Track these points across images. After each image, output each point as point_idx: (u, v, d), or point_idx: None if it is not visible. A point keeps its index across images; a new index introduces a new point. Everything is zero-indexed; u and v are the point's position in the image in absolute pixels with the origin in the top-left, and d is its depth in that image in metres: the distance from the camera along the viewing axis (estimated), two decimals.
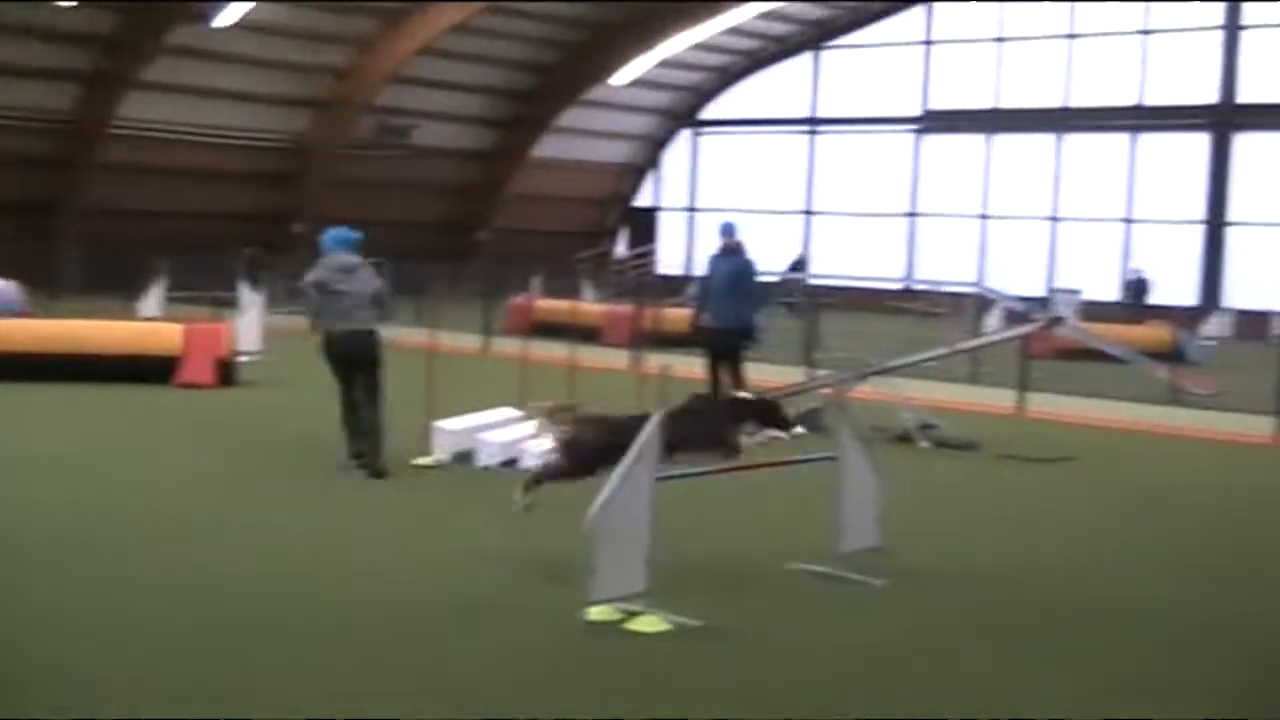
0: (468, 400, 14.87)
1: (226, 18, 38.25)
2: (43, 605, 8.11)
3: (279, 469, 13.04)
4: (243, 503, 11.43)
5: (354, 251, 13.23)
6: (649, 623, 7.96)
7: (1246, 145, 42.08)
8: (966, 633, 8.32)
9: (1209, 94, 42.46)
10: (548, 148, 48.75)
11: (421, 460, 13.26)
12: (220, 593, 8.51)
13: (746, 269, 17.31)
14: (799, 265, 41.98)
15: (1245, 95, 42.03)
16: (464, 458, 13.34)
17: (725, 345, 17.10)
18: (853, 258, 44.69)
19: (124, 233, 38.12)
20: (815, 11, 48.03)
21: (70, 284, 36.06)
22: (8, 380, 17.94)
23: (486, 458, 13.26)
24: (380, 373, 12.90)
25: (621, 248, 53.85)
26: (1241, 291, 40.85)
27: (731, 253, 17.37)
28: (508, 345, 23.88)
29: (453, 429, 13.56)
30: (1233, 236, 42.35)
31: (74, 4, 35.79)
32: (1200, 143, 42.66)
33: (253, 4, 38.05)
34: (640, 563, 8.04)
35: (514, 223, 48.65)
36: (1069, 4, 44.62)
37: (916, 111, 47.80)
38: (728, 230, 17.58)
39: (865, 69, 48.66)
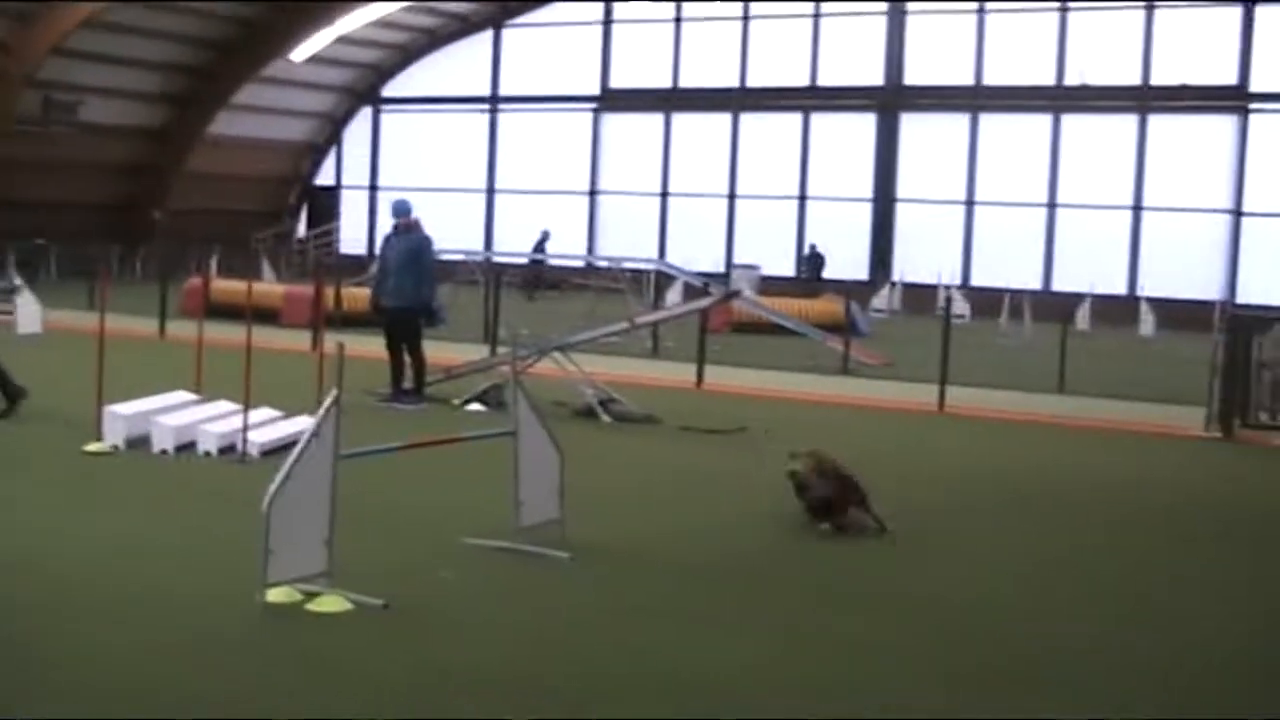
0: (143, 385, 14.48)
1: None
2: None
3: None
4: None
5: None
6: (330, 603, 7.92)
7: (911, 125, 43.88)
8: (655, 599, 8.52)
9: (877, 76, 44.10)
10: (225, 125, 47.55)
11: (93, 446, 12.86)
12: None
13: (422, 246, 17.26)
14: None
15: (911, 78, 43.83)
16: (138, 443, 12.99)
17: (403, 324, 17.05)
18: (534, 235, 44.96)
19: None
20: None
21: None
22: None
23: (161, 442, 12.93)
24: None
25: (302, 227, 53.02)
26: (910, 267, 42.58)
27: (407, 230, 17.32)
28: (185, 328, 23.30)
29: (125, 413, 13.18)
30: (901, 213, 44.09)
31: None
32: (868, 123, 44.27)
33: None
34: (320, 543, 7.99)
35: (191, 203, 47.33)
36: None
37: (596, 90, 48.30)
38: (401, 208, 17.50)
39: (546, 48, 48.93)
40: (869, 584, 9.21)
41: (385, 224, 17.76)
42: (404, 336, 17.01)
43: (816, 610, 8.44)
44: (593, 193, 48.57)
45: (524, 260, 40.93)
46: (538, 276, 40.73)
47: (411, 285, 17.04)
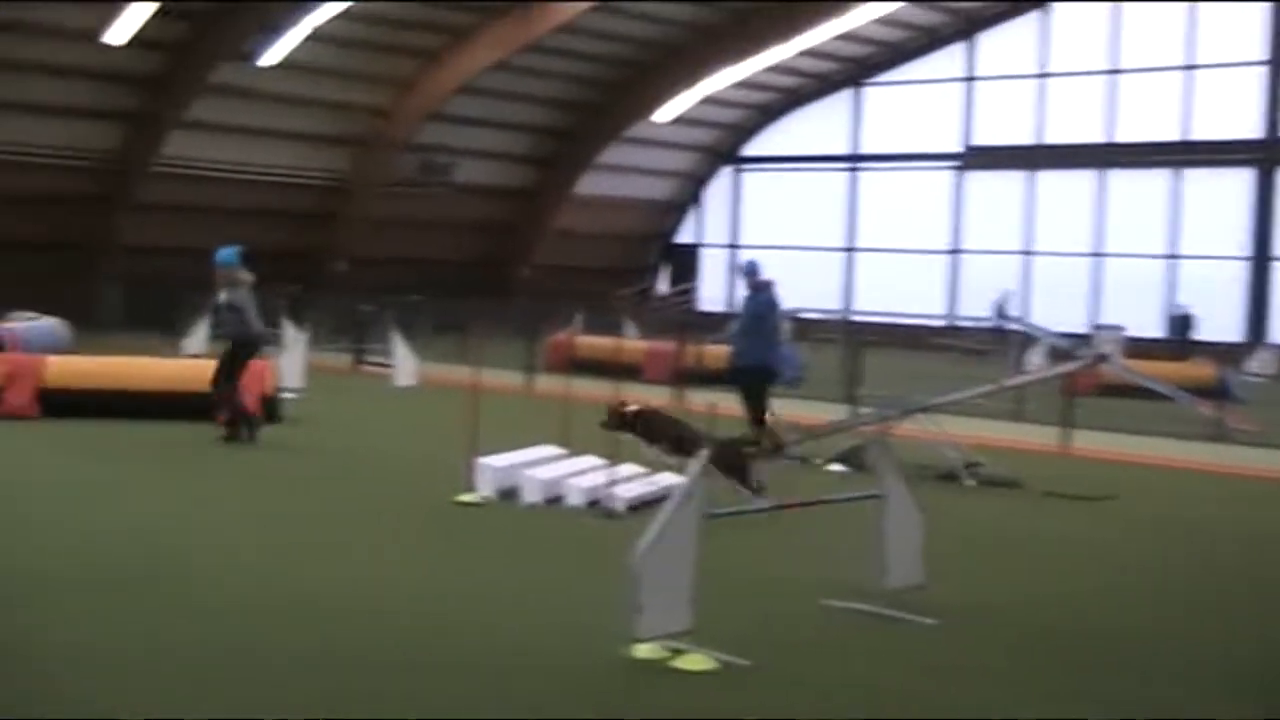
0: (511, 438, 14.96)
1: (270, 57, 38.64)
2: (120, 638, 8.21)
3: (333, 506, 13.14)
4: (302, 537, 11.54)
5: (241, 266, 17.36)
6: (696, 661, 7.99)
7: None
8: (1020, 665, 8.33)
9: (1254, 129, 42.35)
10: (589, 184, 49.00)
11: (465, 497, 13.34)
12: (305, 630, 8.56)
13: (766, 307, 17.39)
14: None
15: None
16: (508, 495, 13.42)
17: (747, 382, 17.17)
18: (895, 294, 44.65)
19: (165, 270, 38.45)
20: (856, 49, 48.13)
21: (112, 321, 36.50)
22: (53, 417, 18.21)
23: (530, 494, 13.33)
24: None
25: (663, 284, 53.96)
26: None
27: (756, 291, 17.48)
28: (549, 383, 24.01)
29: (497, 466, 13.65)
30: (1278, 272, 42.16)
31: (123, 45, 36.18)
32: (1245, 178, 42.53)
33: (295, 44, 38.42)
34: (685, 600, 8.08)
35: (555, 259, 48.88)
36: (1112, 40, 44.60)
37: (958, 148, 47.81)
38: (749, 269, 17.72)
39: (906, 105, 48.72)
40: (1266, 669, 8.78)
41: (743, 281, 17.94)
42: (746, 396, 17.12)
43: (1192, 696, 8.10)
44: (954, 251, 48.01)
45: (879, 319, 40.67)
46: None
47: (754, 345, 17.17)
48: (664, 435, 13.94)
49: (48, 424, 18.00)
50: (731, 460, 12.98)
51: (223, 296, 17.62)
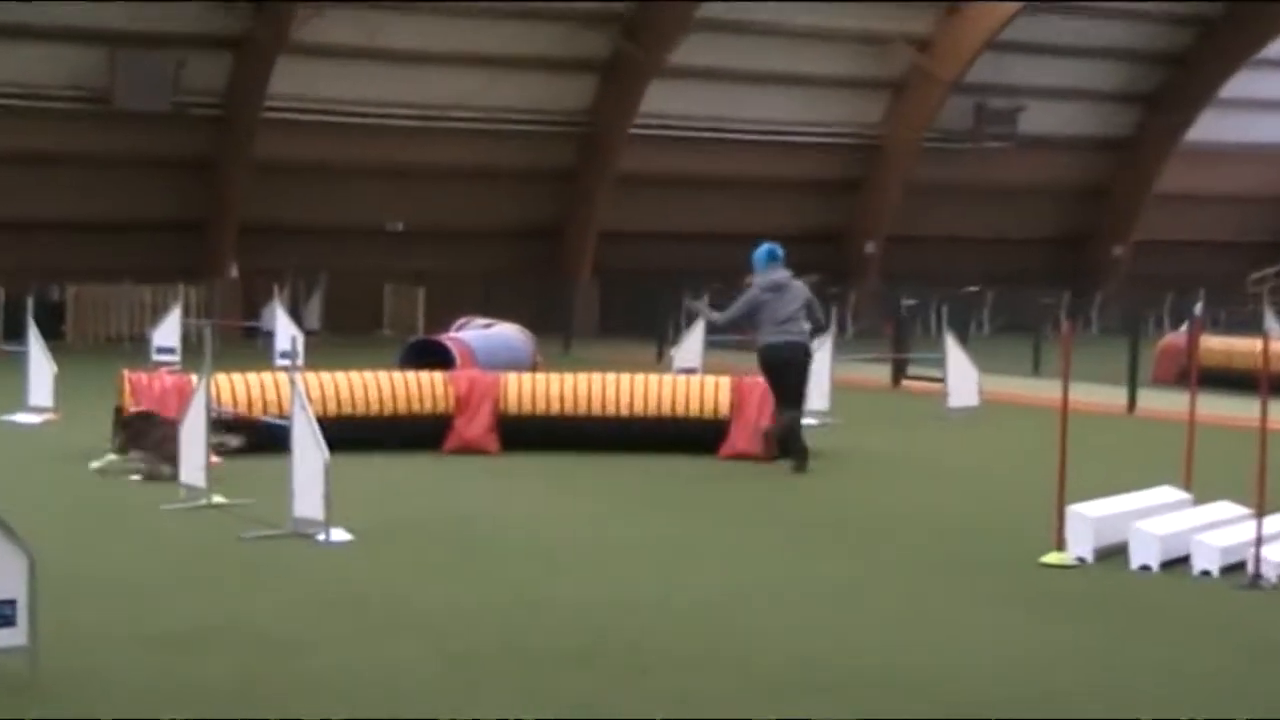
0: (1110, 477, 14.67)
1: None
2: None
3: (883, 569, 13.22)
4: (862, 605, 11.67)
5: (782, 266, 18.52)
6: None
7: None
8: None
9: None
10: (1208, 128, 47.50)
11: (1052, 557, 13.14)
12: None
13: None
14: None
15: None
16: (1111, 554, 13.15)
17: None
18: None
19: (640, 260, 39.59)
20: None
21: (585, 327, 37.87)
22: (516, 449, 19.02)
23: (1142, 554, 13.01)
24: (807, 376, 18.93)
25: None
26: None
27: None
28: (1160, 400, 23.46)
29: (1093, 516, 13.39)
30: None
31: None
32: None
33: None
34: None
35: (1161, 232, 47.77)
36: None
37: None
38: None
39: None
40: None
41: None
42: None
43: None
44: None
45: None
46: None
47: None
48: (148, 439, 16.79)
49: (513, 460, 18.78)
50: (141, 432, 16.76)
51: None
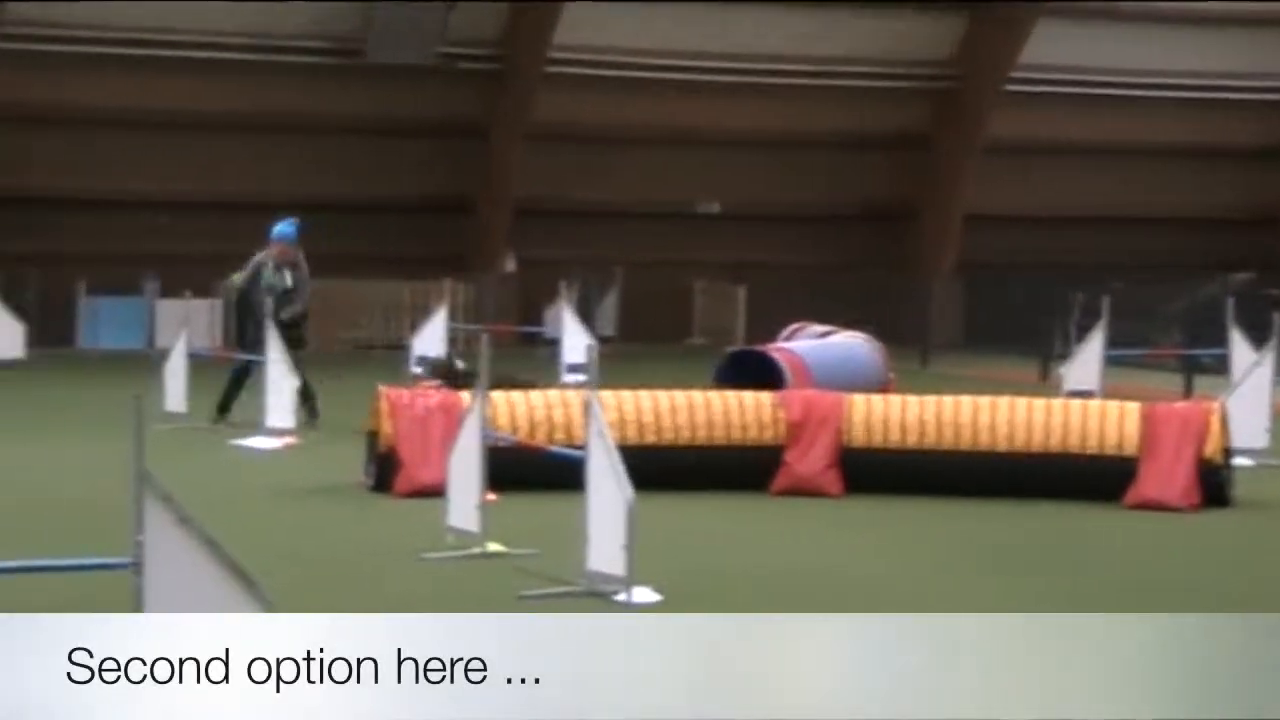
0: None
1: None
2: None
3: None
4: None
5: None
6: None
7: None
8: None
9: None
10: None
11: None
12: None
13: None
14: None
15: None
16: None
17: None
18: None
19: (1017, 250, 39.07)
20: None
21: (947, 335, 37.52)
22: (862, 490, 18.81)
23: None
24: None
25: None
26: None
27: None
28: None
29: None
30: None
31: None
32: None
33: None
34: None
35: None
36: None
37: None
38: None
39: None
40: None
41: None
42: None
43: None
44: None
45: None
46: None
47: None
48: None
49: (859, 505, 18.59)
50: None
51: None
